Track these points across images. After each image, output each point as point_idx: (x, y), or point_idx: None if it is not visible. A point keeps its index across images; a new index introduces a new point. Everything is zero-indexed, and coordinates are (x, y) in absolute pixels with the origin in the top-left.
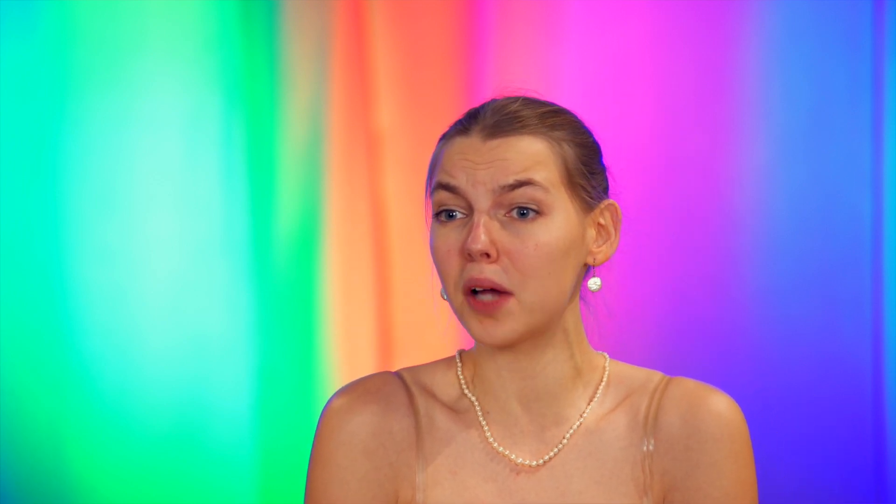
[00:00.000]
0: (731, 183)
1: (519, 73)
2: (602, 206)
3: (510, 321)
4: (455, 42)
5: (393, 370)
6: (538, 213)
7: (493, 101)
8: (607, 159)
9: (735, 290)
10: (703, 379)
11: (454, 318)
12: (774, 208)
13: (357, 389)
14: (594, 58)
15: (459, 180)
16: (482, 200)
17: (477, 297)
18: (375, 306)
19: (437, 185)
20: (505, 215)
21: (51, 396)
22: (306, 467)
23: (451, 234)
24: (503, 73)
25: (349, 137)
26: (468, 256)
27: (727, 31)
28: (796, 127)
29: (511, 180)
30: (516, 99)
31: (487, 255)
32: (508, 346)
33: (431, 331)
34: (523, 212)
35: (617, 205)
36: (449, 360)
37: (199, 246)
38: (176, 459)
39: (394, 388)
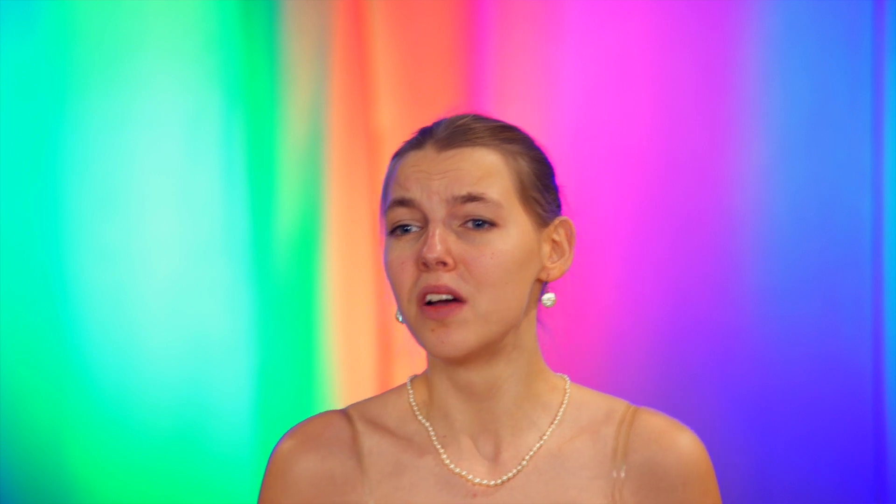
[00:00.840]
0: (731, 183)
1: (519, 73)
2: (556, 222)
3: (464, 330)
4: (455, 42)
5: (342, 407)
6: (493, 224)
7: (445, 118)
8: (607, 159)
9: (735, 290)
10: (703, 379)
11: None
12: (774, 208)
13: (298, 434)
14: (594, 58)
15: (414, 192)
16: (437, 210)
17: (430, 303)
18: (375, 307)
19: (392, 201)
20: (460, 226)
21: (51, 396)
22: None
23: (406, 247)
24: (503, 73)
25: (349, 137)
26: (423, 266)
27: (727, 31)
28: (796, 127)
29: (465, 192)
30: (468, 115)
31: (444, 264)
32: (462, 360)
33: None
34: (478, 223)
35: (571, 222)
36: (400, 388)
37: (199, 246)
38: (176, 460)
39: (337, 429)
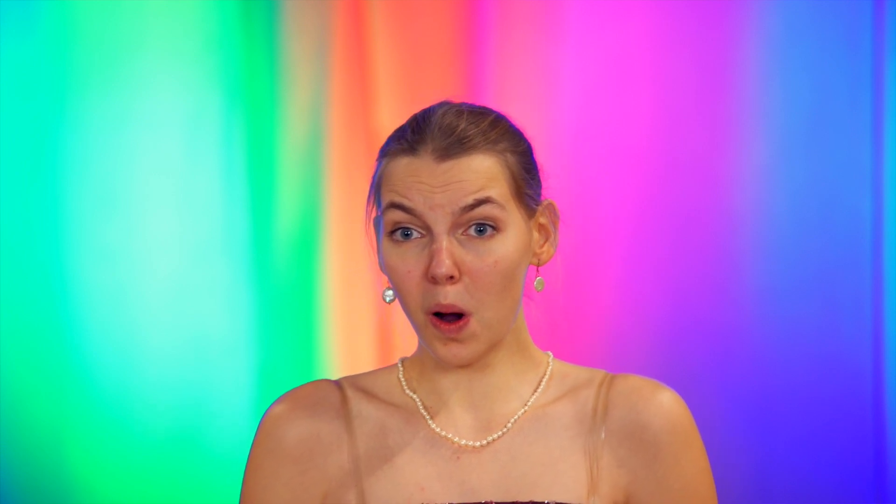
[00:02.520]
0: (731, 183)
1: (519, 73)
2: (542, 206)
3: (474, 343)
4: (455, 42)
5: (335, 378)
6: (495, 229)
7: (434, 112)
8: (607, 159)
9: (735, 290)
10: (703, 379)
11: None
12: (774, 208)
13: (288, 398)
14: (594, 58)
15: (416, 203)
16: (441, 223)
17: (442, 318)
18: (375, 306)
19: (392, 204)
20: (463, 234)
21: (51, 396)
22: None
23: (409, 255)
24: (503, 73)
25: (349, 137)
26: (432, 279)
27: (727, 31)
28: (796, 127)
29: (470, 200)
30: (460, 113)
31: (451, 277)
32: (469, 365)
33: None
34: (481, 228)
35: (555, 203)
36: (391, 366)
37: (199, 246)
38: (176, 460)
39: (326, 393)
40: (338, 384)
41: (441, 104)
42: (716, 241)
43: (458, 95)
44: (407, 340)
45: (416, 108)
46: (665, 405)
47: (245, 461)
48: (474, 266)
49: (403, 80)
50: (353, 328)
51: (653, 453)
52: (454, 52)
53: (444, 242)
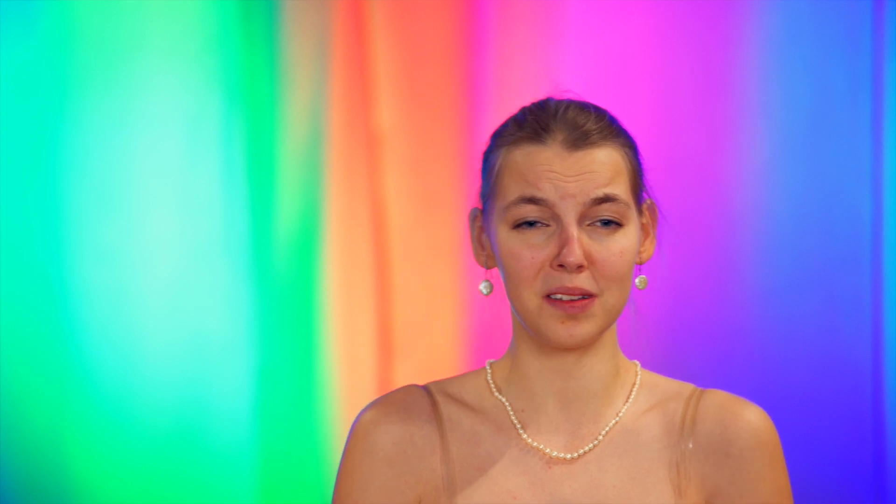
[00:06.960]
0: (731, 183)
1: (519, 73)
2: (645, 205)
3: (591, 323)
4: (455, 42)
5: (421, 384)
6: (619, 224)
7: (549, 105)
8: None
9: (735, 290)
10: (703, 379)
11: (450, 317)
12: (774, 208)
13: (381, 403)
14: (594, 57)
15: (547, 192)
16: (571, 213)
17: (559, 298)
18: (375, 306)
19: (522, 198)
20: (589, 225)
21: (51, 396)
22: (306, 468)
23: (535, 241)
24: (503, 73)
25: (349, 137)
26: (559, 266)
27: (727, 31)
28: (796, 127)
29: (600, 193)
30: (579, 107)
31: (580, 266)
32: (580, 347)
33: (432, 330)
34: (606, 222)
35: (655, 203)
36: (479, 370)
37: (199, 246)
38: (176, 459)
39: (416, 398)
40: (426, 389)
41: (548, 99)
42: (716, 240)
43: (458, 95)
44: (409, 340)
45: (416, 108)
46: (752, 422)
47: (246, 459)
48: (601, 256)
49: (403, 80)
50: (353, 328)
51: (736, 468)
52: (454, 52)
53: (575, 232)
